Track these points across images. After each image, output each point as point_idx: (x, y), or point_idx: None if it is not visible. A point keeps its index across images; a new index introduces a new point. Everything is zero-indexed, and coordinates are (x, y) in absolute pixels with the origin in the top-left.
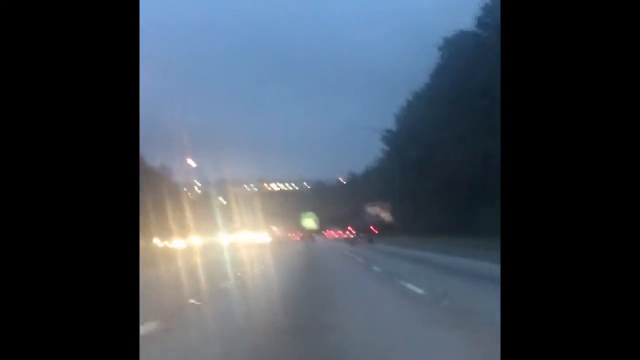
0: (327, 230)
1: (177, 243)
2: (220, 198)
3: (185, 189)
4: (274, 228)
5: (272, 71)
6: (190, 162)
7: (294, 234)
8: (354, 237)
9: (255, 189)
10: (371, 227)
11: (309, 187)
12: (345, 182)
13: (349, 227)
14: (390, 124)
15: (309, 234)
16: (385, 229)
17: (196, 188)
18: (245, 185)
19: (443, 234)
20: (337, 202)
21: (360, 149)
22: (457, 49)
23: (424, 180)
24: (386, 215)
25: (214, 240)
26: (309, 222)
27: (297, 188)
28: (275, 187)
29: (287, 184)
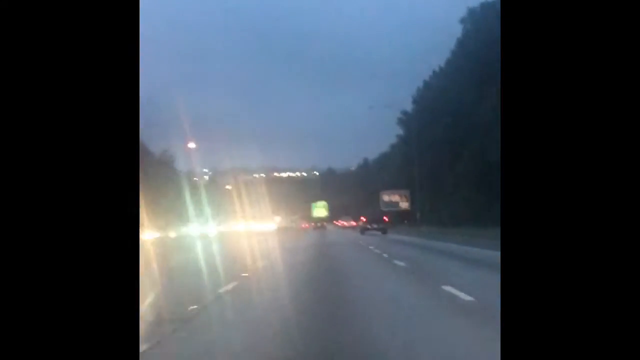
0: (339, 220)
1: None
2: (228, 187)
3: (195, 178)
4: (278, 218)
5: (282, 59)
6: (192, 145)
7: (305, 223)
8: (366, 226)
9: (264, 176)
10: (384, 217)
11: (318, 175)
12: (357, 169)
13: (362, 217)
14: (407, 105)
15: (320, 223)
16: (403, 218)
17: (205, 177)
18: (256, 175)
19: (468, 225)
20: (349, 190)
21: (374, 135)
22: (481, 20)
23: (447, 166)
24: (403, 204)
25: (215, 229)
26: (320, 211)
27: (305, 175)
28: (284, 175)
29: (297, 173)
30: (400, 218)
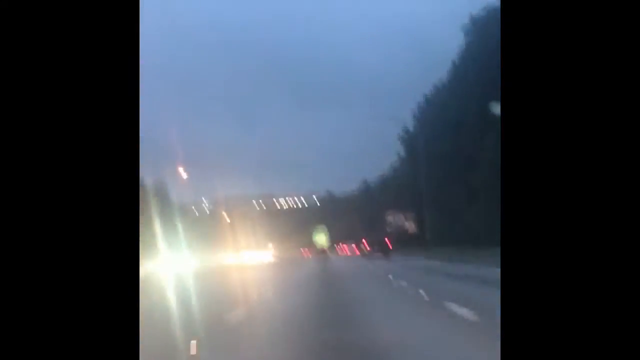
0: (340, 245)
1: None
2: (224, 214)
3: (192, 207)
4: (271, 245)
5: (277, 85)
6: (183, 173)
7: (305, 251)
8: (369, 252)
9: (263, 206)
10: (386, 240)
11: (317, 201)
12: (357, 192)
13: (364, 241)
14: (407, 122)
15: (322, 251)
16: (409, 240)
17: (204, 206)
18: (254, 201)
19: (484, 243)
20: (350, 214)
21: (374, 156)
22: (484, 28)
23: (454, 183)
24: (409, 225)
25: (212, 261)
26: (321, 238)
27: (305, 204)
28: (283, 202)
29: (296, 198)
30: (407, 239)
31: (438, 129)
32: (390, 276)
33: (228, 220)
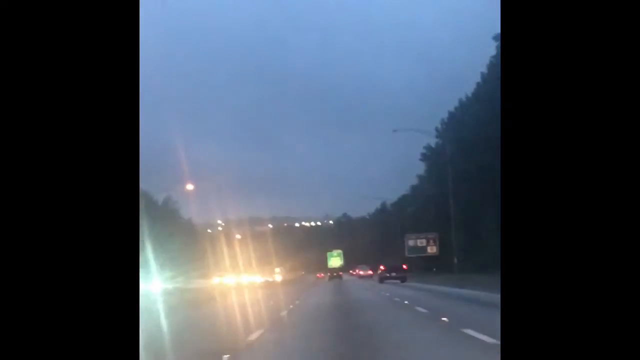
0: (355, 269)
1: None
2: (238, 236)
3: (209, 230)
4: (278, 270)
5: (296, 107)
6: (190, 187)
7: (320, 274)
8: (385, 275)
9: (278, 228)
10: (403, 265)
11: (333, 223)
12: (375, 215)
13: (381, 266)
14: (431, 141)
15: (336, 273)
16: (431, 264)
17: (218, 227)
18: (270, 225)
19: None
20: (366, 237)
21: (392, 179)
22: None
23: (483, 204)
24: (431, 248)
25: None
26: (336, 260)
27: (320, 224)
28: (297, 224)
29: (312, 223)
30: (427, 264)
31: (465, 147)
32: (418, 308)
33: (240, 242)
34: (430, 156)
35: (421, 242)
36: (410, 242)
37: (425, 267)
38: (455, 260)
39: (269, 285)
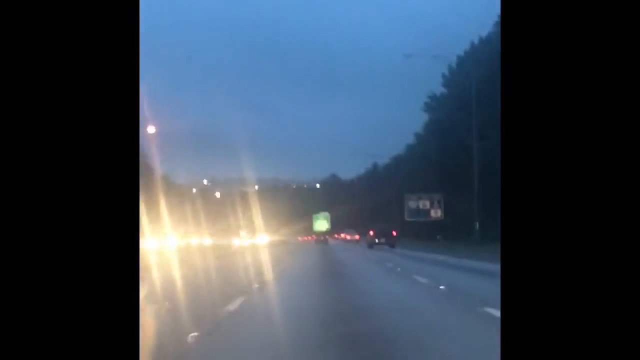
0: (341, 233)
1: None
2: (217, 195)
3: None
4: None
5: (287, 68)
6: (151, 130)
7: (304, 237)
8: (374, 241)
9: (264, 189)
10: (393, 232)
11: (319, 184)
12: (364, 176)
13: (370, 231)
14: (435, 89)
15: (322, 237)
16: (435, 230)
17: (204, 187)
18: (257, 186)
19: None
20: (355, 200)
21: (386, 139)
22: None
23: (495, 163)
24: (435, 212)
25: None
26: (322, 223)
27: (305, 186)
28: (282, 185)
29: (300, 184)
30: (431, 231)
31: (478, 94)
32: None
33: (224, 203)
34: (435, 106)
35: (424, 204)
36: (411, 204)
37: (428, 234)
38: (477, 226)
39: (247, 248)
